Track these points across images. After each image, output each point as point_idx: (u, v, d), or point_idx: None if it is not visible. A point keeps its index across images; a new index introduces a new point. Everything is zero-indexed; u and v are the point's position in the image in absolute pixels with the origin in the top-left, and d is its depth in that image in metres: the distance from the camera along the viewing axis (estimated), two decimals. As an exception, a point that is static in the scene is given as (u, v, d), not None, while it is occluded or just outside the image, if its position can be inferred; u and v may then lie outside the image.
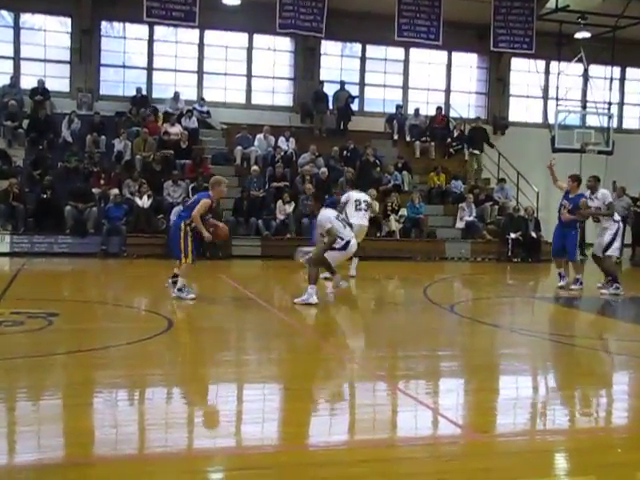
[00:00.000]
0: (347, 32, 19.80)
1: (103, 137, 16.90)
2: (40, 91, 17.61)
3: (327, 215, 8.94)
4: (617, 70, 22.48)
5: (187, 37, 19.55)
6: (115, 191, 15.03)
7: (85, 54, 18.51)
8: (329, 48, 20.61)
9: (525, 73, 22.04)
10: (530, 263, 16.17)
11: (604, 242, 10.57)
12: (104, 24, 19.02)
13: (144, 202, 15.10)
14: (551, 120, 20.14)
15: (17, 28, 18.43)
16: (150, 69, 19.39)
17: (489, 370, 5.92)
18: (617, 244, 10.68)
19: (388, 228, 16.21)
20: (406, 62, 21.19)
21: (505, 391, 5.41)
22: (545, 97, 22.19)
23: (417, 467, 3.68)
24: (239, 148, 17.42)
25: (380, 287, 12.14)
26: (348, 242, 8.89)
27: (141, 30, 19.19)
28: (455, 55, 21.52)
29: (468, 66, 21.94)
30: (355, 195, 11.79)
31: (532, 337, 7.41)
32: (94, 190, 15.26)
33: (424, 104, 20.88)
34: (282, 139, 17.95)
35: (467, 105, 21.91)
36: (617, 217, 10.79)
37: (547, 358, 6.63)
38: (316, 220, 9.15)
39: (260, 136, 17.82)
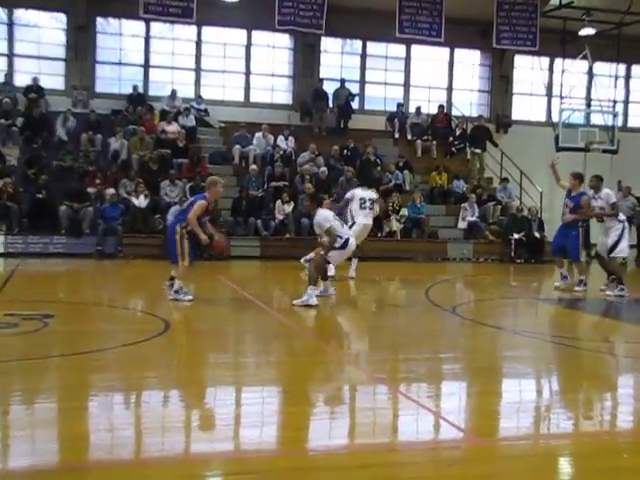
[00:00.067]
0: (347, 28, 19.81)
1: (99, 136, 16.91)
2: (34, 89, 17.61)
3: (324, 215, 8.97)
4: (622, 67, 22.51)
5: (184, 34, 19.55)
6: (111, 191, 15.03)
7: (80, 51, 18.52)
8: (329, 45, 20.63)
9: (529, 70, 22.05)
10: (533, 264, 16.18)
11: (609, 243, 10.56)
12: (100, 20, 19.03)
13: (140, 202, 15.10)
14: (555, 118, 20.16)
15: (11, 24, 18.45)
16: (147, 66, 19.40)
17: (492, 373, 5.92)
18: (623, 245, 10.65)
19: (389, 228, 16.22)
20: (407, 59, 21.20)
21: (508, 394, 5.41)
22: (549, 95, 22.21)
23: (418, 472, 3.68)
24: (237, 147, 17.43)
25: (381, 288, 12.14)
26: (347, 240, 8.91)
27: (137, 26, 19.19)
28: (457, 52, 21.53)
29: (470, 63, 21.95)
30: (360, 193, 11.77)
31: (535, 339, 7.41)
32: (90, 190, 15.26)
33: (426, 102, 20.90)
34: (281, 138, 17.96)
35: (469, 103, 21.92)
36: (622, 217, 10.77)
37: (550, 361, 6.63)
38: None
39: (259, 135, 17.82)
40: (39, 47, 18.64)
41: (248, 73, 20.05)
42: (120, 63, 19.34)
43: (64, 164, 15.82)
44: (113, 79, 19.19)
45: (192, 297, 8.74)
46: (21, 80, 18.07)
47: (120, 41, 19.29)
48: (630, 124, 22.95)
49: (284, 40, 20.30)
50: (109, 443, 3.90)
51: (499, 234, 17.02)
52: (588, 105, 21.35)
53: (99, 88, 18.98)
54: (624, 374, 6.26)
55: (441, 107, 20.35)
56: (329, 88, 19.67)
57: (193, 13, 17.27)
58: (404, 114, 20.18)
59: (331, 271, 11.06)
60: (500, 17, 18.93)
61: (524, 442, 4.15)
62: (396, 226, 16.24)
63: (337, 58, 20.86)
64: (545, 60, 21.73)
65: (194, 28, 19.29)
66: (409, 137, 19.77)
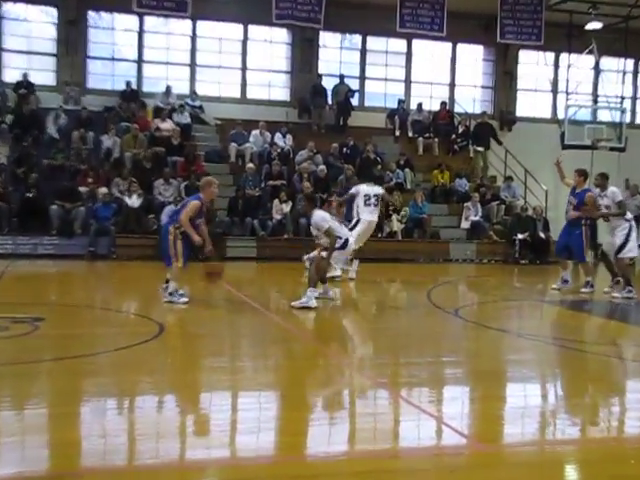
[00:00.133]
0: (347, 23, 19.81)
1: (91, 133, 16.89)
2: (24, 85, 17.59)
3: (322, 215, 9.01)
4: (630, 62, 22.53)
5: (179, 28, 19.54)
6: (103, 190, 15.02)
7: (71, 46, 18.51)
8: (328, 40, 20.62)
9: (533, 66, 22.06)
10: (538, 265, 16.19)
11: (617, 243, 10.56)
12: (91, 14, 19.00)
13: (134, 201, 15.09)
14: (561, 115, 20.17)
15: None
16: (140, 62, 19.38)
17: (495, 377, 5.93)
18: (631, 245, 10.65)
19: (389, 228, 16.21)
20: (408, 54, 21.20)
21: (512, 399, 5.42)
22: (554, 91, 22.21)
23: (420, 479, 3.69)
24: (234, 145, 17.42)
25: (381, 290, 12.15)
26: (347, 241, 8.93)
27: (130, 21, 19.17)
28: (460, 47, 21.53)
29: (473, 59, 21.94)
30: (365, 189, 11.78)
31: (540, 342, 7.42)
32: (81, 189, 15.24)
33: (427, 98, 20.91)
34: (279, 135, 17.96)
35: (472, 100, 21.91)
36: (629, 216, 10.75)
37: (556, 364, 6.64)
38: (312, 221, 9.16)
39: (256, 132, 17.82)
40: (29, 42, 18.62)
41: (244, 69, 20.03)
42: (113, 58, 19.32)
43: (55, 162, 15.80)
44: (105, 75, 19.17)
45: (187, 299, 8.74)
46: (10, 76, 18.06)
47: (113, 36, 19.27)
48: (638, 121, 22.97)
49: (281, 35, 20.30)
50: (102, 449, 3.91)
51: (503, 234, 17.03)
52: (595, 101, 21.36)
53: (91, 84, 18.97)
54: (632, 378, 6.27)
55: (443, 104, 20.36)
56: (328, 84, 19.66)
57: (188, 7, 17.27)
58: (405, 111, 20.18)
59: (337, 271, 11.14)
60: (504, 11, 18.94)
61: (529, 448, 4.16)
62: (397, 226, 16.24)
63: (336, 53, 20.86)
64: (550, 55, 21.74)
65: (189, 22, 19.28)
66: (410, 134, 19.77)
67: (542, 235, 16.76)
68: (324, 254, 8.75)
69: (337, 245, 8.88)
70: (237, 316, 8.50)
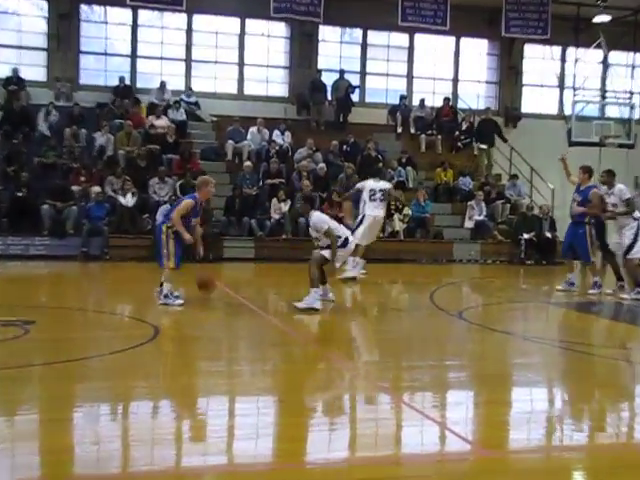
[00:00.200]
0: (347, 16, 19.82)
1: (83, 130, 16.89)
2: (14, 80, 17.59)
3: (320, 216, 9.05)
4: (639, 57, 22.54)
5: (174, 22, 19.56)
6: (96, 189, 15.02)
7: (63, 40, 18.51)
8: (327, 34, 20.63)
9: (539, 60, 22.08)
10: (545, 266, 16.19)
11: (625, 243, 10.55)
12: (84, 8, 19.02)
13: (128, 201, 15.09)
14: (567, 111, 20.19)
15: (-11, 12, 18.46)
16: (134, 57, 19.39)
17: (500, 381, 5.93)
18: (640, 244, 10.64)
19: (391, 228, 16.22)
20: (410, 49, 21.22)
21: (518, 404, 5.42)
22: (561, 86, 22.23)
23: (423, 486, 3.70)
24: (230, 142, 17.43)
25: (383, 292, 12.15)
26: (347, 239, 8.95)
27: (124, 14, 19.18)
28: (463, 41, 21.54)
29: (477, 53, 21.96)
30: (371, 184, 11.98)
31: (546, 345, 7.43)
32: (73, 188, 15.25)
33: (430, 94, 20.91)
34: (277, 132, 17.96)
35: (476, 95, 21.94)
36: (637, 214, 10.71)
37: (562, 368, 6.65)
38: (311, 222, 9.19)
39: (253, 129, 17.82)
40: (19, 36, 18.62)
41: (242, 64, 20.05)
42: (105, 53, 19.33)
43: (46, 160, 15.80)
44: (98, 70, 19.18)
45: (183, 301, 8.75)
46: (0, 71, 18.05)
47: (105, 30, 19.28)
48: (647, 117, 23.00)
49: (280, 29, 20.31)
50: (95, 457, 3.91)
51: (508, 234, 17.04)
52: (603, 97, 21.37)
53: (83, 80, 18.97)
54: (641, 382, 6.28)
55: (446, 100, 20.37)
56: (328, 80, 19.67)
57: (183, 0, 17.27)
58: (407, 107, 20.19)
59: (354, 271, 11.27)
60: (509, 3, 18.97)
61: (535, 455, 4.16)
62: (399, 226, 16.25)
63: (336, 48, 20.87)
64: (557, 49, 21.75)
65: (184, 16, 19.28)
66: (412, 131, 19.77)
67: (548, 235, 16.76)
68: (327, 255, 8.75)
69: (337, 244, 8.89)
70: (234, 318, 8.50)
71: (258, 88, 20.15)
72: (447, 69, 21.62)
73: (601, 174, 11.07)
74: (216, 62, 19.93)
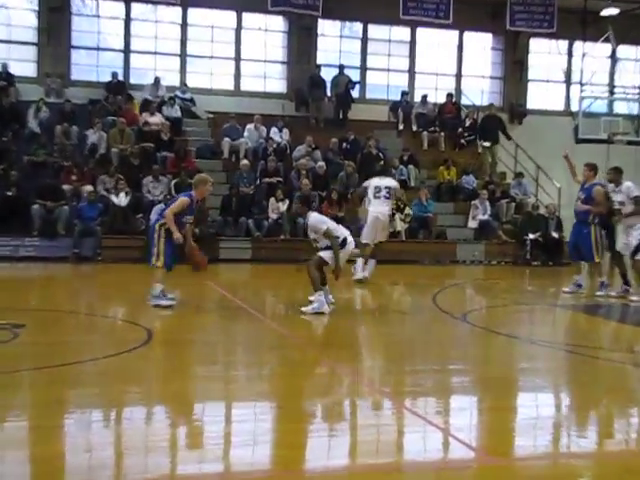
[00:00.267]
0: (347, 10, 19.84)
1: (75, 127, 16.89)
2: (3, 76, 17.61)
3: (318, 217, 9.06)
4: (648, 51, 22.57)
5: (168, 16, 19.57)
6: (88, 188, 15.02)
7: (54, 34, 18.52)
8: (327, 28, 20.65)
9: (545, 55, 22.12)
10: (551, 267, 16.20)
11: (633, 243, 10.55)
12: (75, 1, 19.03)
13: (121, 200, 15.09)
14: (574, 107, 20.19)
15: (-23, 6, 18.46)
16: (127, 52, 19.41)
17: (505, 386, 5.94)
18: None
19: (393, 228, 16.16)
20: (412, 43, 21.25)
21: (523, 409, 5.42)
22: (568, 82, 22.26)
23: (425, 494, 3.69)
24: (227, 140, 17.43)
25: (384, 294, 12.14)
26: (345, 239, 8.96)
27: (117, 8, 19.20)
28: (467, 35, 21.58)
29: (481, 47, 22.00)
30: (375, 182, 12.14)
31: (553, 349, 7.43)
32: (65, 187, 15.25)
33: (432, 90, 20.94)
34: (275, 130, 17.97)
35: (480, 91, 21.97)
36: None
37: (569, 372, 6.65)
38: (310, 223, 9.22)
39: (250, 126, 17.83)
40: (9, 30, 18.63)
41: (238, 59, 20.07)
42: (98, 48, 19.34)
43: (36, 159, 15.80)
44: (90, 65, 19.20)
45: (175, 301, 8.77)
46: (-11, 67, 18.08)
47: (98, 24, 19.29)
48: (657, 113, 23.01)
49: (278, 23, 20.32)
50: (87, 464, 3.90)
51: (513, 234, 17.05)
52: (611, 92, 21.41)
53: (75, 75, 18.99)
54: (650, 387, 6.28)
55: (449, 95, 20.39)
56: (327, 75, 19.69)
57: (178, -7, 17.31)
58: (409, 103, 20.20)
59: (366, 272, 11.48)
60: (514, -4, 18.99)
61: (541, 462, 4.16)
62: (401, 226, 16.25)
63: (336, 42, 20.89)
64: (564, 43, 21.78)
65: (179, 10, 19.31)
66: (414, 128, 19.79)
67: (555, 235, 16.77)
68: (324, 256, 8.74)
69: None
70: (231, 322, 8.49)
71: (255, 84, 20.17)
72: (450, 64, 21.64)
73: (607, 171, 11.08)
74: (212, 57, 19.96)
